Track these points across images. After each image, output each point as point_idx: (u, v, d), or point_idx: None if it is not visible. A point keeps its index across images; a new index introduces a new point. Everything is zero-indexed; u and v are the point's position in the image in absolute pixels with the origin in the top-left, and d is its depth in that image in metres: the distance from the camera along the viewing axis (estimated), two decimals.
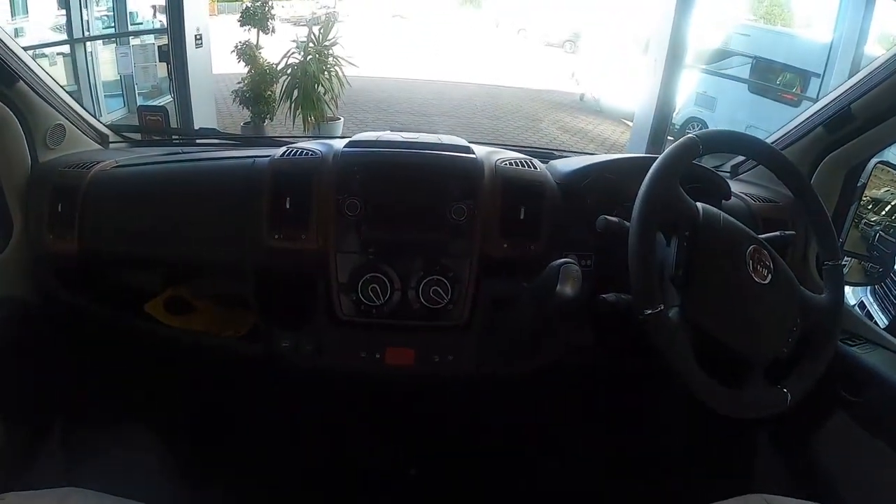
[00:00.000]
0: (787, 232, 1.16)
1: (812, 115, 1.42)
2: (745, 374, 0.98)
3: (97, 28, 6.91)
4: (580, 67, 11.66)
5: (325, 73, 6.34)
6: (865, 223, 1.52)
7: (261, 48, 6.57)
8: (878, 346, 1.31)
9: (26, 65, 1.24)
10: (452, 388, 1.41)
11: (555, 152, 1.54)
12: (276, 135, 1.52)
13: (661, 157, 1.00)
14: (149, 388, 1.51)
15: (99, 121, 1.54)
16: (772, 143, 1.47)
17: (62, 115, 1.38)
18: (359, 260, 1.17)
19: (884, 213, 1.48)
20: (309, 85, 6.18)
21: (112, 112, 6.74)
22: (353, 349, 1.21)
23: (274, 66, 6.47)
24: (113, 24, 7.12)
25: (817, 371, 1.04)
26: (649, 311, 0.92)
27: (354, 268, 1.17)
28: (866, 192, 1.48)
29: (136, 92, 6.95)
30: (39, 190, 1.29)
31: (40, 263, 1.33)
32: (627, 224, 0.99)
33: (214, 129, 1.85)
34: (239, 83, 6.59)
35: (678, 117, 8.78)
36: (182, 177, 1.34)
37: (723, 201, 1.29)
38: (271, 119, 6.77)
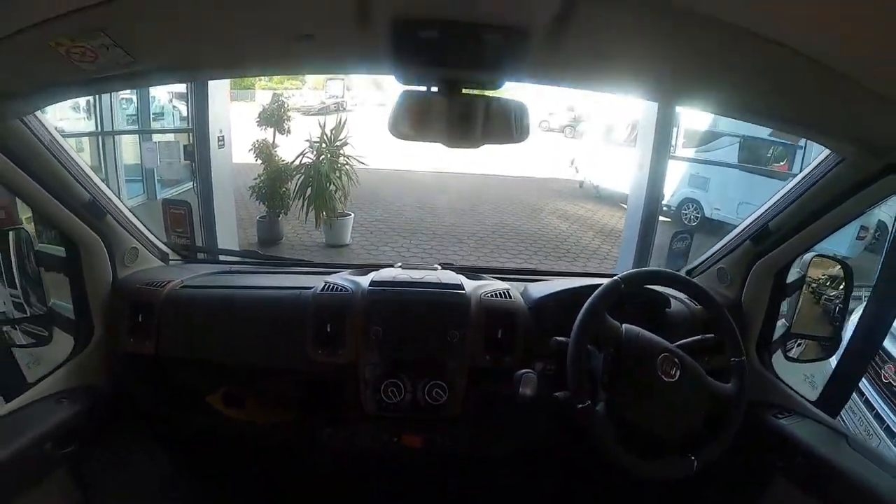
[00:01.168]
0: (707, 335, 1.44)
1: (741, 232, 1.73)
2: (659, 447, 1.27)
3: (123, 123, 7.33)
4: (579, 155, 12.10)
5: (337, 171, 6.81)
6: (825, 299, 1.74)
7: (276, 146, 7.10)
8: (805, 417, 1.51)
9: (111, 200, 1.59)
10: (451, 464, 1.71)
11: (536, 273, 1.91)
12: (308, 260, 1.85)
13: (592, 295, 1.34)
14: (206, 465, 1.82)
15: (161, 241, 1.88)
16: (712, 253, 1.82)
17: (136, 238, 1.73)
18: (380, 370, 1.54)
19: (825, 297, 1.71)
20: (321, 183, 6.64)
21: (133, 198, 7.01)
22: (377, 435, 1.60)
23: (288, 164, 6.94)
24: (137, 120, 7.55)
25: (723, 443, 1.32)
26: (580, 406, 1.25)
27: (377, 376, 1.54)
28: (813, 278, 1.71)
29: (156, 178, 7.29)
30: (120, 302, 1.62)
31: (119, 361, 1.63)
32: None
33: (255, 251, 2.25)
34: (255, 179, 7.05)
35: (673, 198, 9.17)
36: (241, 302, 1.66)
37: (666, 309, 1.61)
38: (285, 214, 7.19)
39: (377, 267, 1.75)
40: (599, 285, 1.37)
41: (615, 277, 1.38)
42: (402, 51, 0.93)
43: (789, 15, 0.73)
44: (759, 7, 0.75)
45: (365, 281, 1.63)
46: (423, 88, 1.06)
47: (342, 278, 1.67)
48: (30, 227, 2.02)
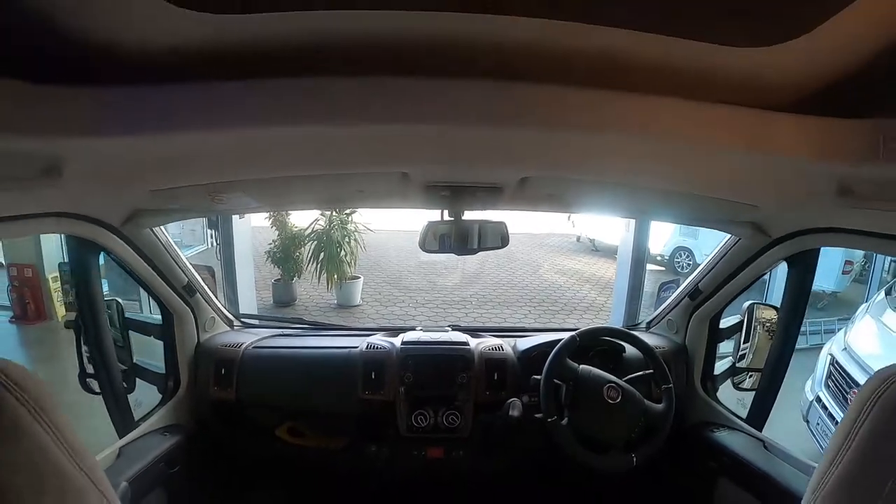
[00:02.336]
0: (647, 371, 1.97)
1: (681, 290, 2.26)
2: (608, 448, 1.81)
3: None
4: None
5: (346, 237, 7.38)
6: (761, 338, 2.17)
7: (289, 214, 7.64)
8: (735, 430, 1.95)
9: (199, 281, 2.10)
10: (464, 471, 2.19)
11: (525, 331, 2.41)
12: (346, 325, 2.32)
13: (556, 347, 1.91)
14: (272, 482, 2.30)
15: (230, 312, 2.39)
16: (664, 307, 2.34)
17: (213, 310, 2.24)
18: (411, 404, 2.07)
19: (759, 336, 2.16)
20: (333, 249, 7.20)
21: None
22: (409, 451, 2.10)
23: (301, 231, 7.50)
24: None
25: (655, 447, 1.84)
26: (549, 420, 1.82)
27: (409, 408, 2.06)
28: (759, 319, 2.15)
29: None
30: (206, 359, 2.12)
31: (204, 405, 2.11)
32: None
33: (300, 318, 2.80)
34: (270, 244, 7.61)
35: (666, 248, 9.73)
36: (303, 359, 2.16)
37: (623, 353, 2.11)
38: (299, 277, 7.70)
39: (403, 329, 2.27)
40: (569, 338, 1.94)
41: (573, 333, 1.94)
42: (428, 198, 1.49)
43: (676, 178, 1.28)
44: (653, 173, 1.28)
45: (397, 341, 2.18)
46: (438, 216, 1.61)
47: (379, 339, 2.21)
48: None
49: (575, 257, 11.31)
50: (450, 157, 1.20)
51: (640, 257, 5.83)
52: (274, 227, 7.57)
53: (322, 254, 7.19)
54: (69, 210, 1.42)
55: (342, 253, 7.23)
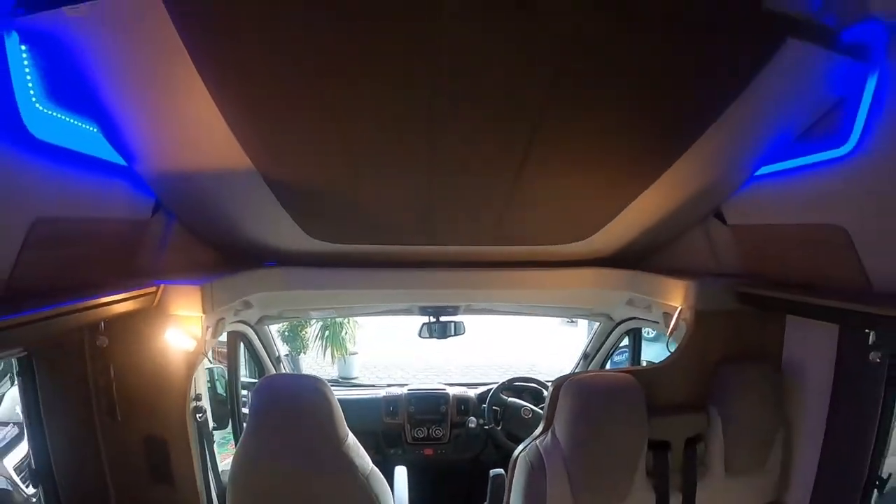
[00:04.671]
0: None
1: (581, 353, 3.64)
2: (521, 440, 2.91)
3: None
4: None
5: (348, 320, 8.65)
6: None
7: None
8: None
9: (281, 355, 3.42)
10: (445, 462, 3.49)
11: (486, 384, 3.68)
12: (368, 384, 3.77)
13: (494, 388, 3.32)
14: None
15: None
16: (576, 362, 3.70)
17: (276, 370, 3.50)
18: (413, 424, 3.50)
19: None
20: (336, 329, 8.46)
21: None
22: (413, 451, 3.48)
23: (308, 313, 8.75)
24: None
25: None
26: (488, 427, 3.38)
27: (413, 427, 3.50)
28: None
29: None
30: None
31: None
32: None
33: (336, 379, 4.24)
34: (280, 326, 8.83)
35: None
36: (346, 402, 3.27)
37: (543, 391, 3.43)
38: (304, 353, 8.92)
39: (406, 384, 3.64)
40: (514, 379, 3.36)
41: (503, 381, 3.32)
42: (423, 312, 3.04)
43: (549, 303, 2.84)
44: (534, 301, 2.83)
45: (404, 390, 3.60)
46: (426, 319, 3.06)
47: (393, 389, 3.58)
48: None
49: (558, 329, 12.84)
50: (433, 299, 2.74)
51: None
52: None
53: (327, 332, 8.46)
54: (239, 319, 2.76)
55: (344, 332, 8.51)
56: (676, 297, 2.13)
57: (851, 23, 1.42)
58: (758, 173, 1.94)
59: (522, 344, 11.86)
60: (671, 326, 2.13)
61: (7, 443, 3.05)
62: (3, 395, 3.34)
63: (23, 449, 3.01)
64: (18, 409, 3.08)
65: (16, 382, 3.12)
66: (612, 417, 1.83)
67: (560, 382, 1.92)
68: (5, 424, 3.18)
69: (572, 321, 12.93)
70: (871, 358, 1.65)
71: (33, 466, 1.81)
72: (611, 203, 2.08)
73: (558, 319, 11.90)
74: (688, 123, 1.67)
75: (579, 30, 1.28)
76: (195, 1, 1.21)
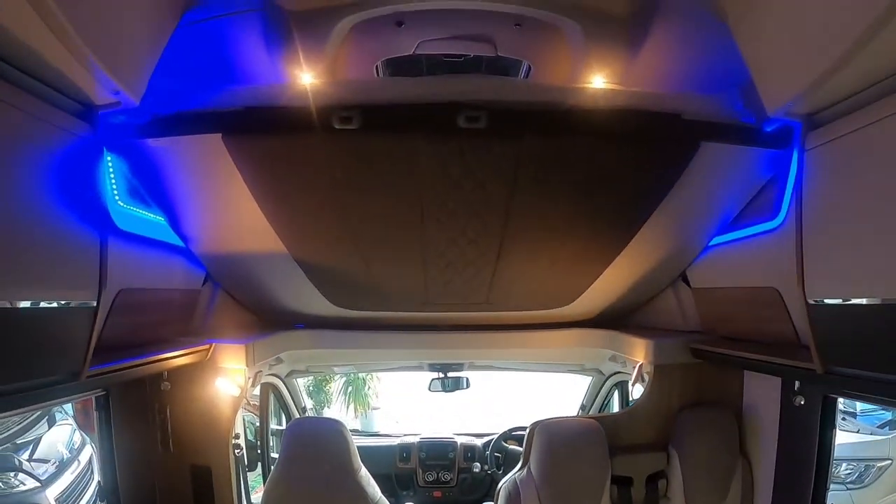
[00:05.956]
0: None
1: (579, 407, 3.94)
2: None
3: None
4: None
5: (370, 376, 8.98)
6: None
7: None
8: None
9: (305, 400, 3.79)
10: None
11: (489, 434, 3.93)
12: (384, 433, 4.22)
13: (496, 438, 3.60)
14: None
15: None
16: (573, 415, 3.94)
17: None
18: (424, 469, 3.84)
19: None
20: (359, 384, 8.79)
21: None
22: (423, 495, 3.85)
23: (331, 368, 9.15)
24: None
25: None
26: (490, 472, 3.66)
27: (423, 471, 3.84)
28: None
29: None
30: None
31: None
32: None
33: (356, 428, 4.59)
34: (306, 382, 9.21)
35: None
36: (364, 449, 3.50)
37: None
38: (328, 407, 9.23)
39: (419, 434, 3.94)
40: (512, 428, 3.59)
41: (504, 430, 3.56)
42: (431, 369, 3.41)
43: (544, 361, 3.24)
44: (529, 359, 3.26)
45: (416, 438, 3.88)
46: (435, 374, 3.43)
47: (406, 438, 3.87)
48: None
49: (567, 377, 12.75)
50: (438, 358, 3.19)
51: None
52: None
53: (350, 387, 8.80)
54: (271, 372, 3.16)
55: (367, 387, 8.84)
56: (640, 353, 2.47)
57: (770, 116, 1.66)
58: (712, 242, 2.30)
59: (534, 389, 11.98)
60: (633, 377, 2.48)
61: (48, 476, 3.41)
62: (42, 437, 3.67)
63: (63, 482, 3.44)
64: (59, 448, 3.64)
65: (52, 425, 3.71)
66: (577, 456, 2.20)
67: (535, 426, 2.29)
68: (46, 461, 3.53)
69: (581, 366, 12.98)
70: (795, 402, 1.97)
71: (101, 484, 2.21)
72: (584, 274, 2.46)
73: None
74: (631, 213, 2.09)
75: (524, 152, 1.78)
76: (245, 141, 1.76)
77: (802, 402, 1.96)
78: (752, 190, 2.07)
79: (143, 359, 1.93)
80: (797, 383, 1.97)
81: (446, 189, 1.89)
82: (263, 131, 1.77)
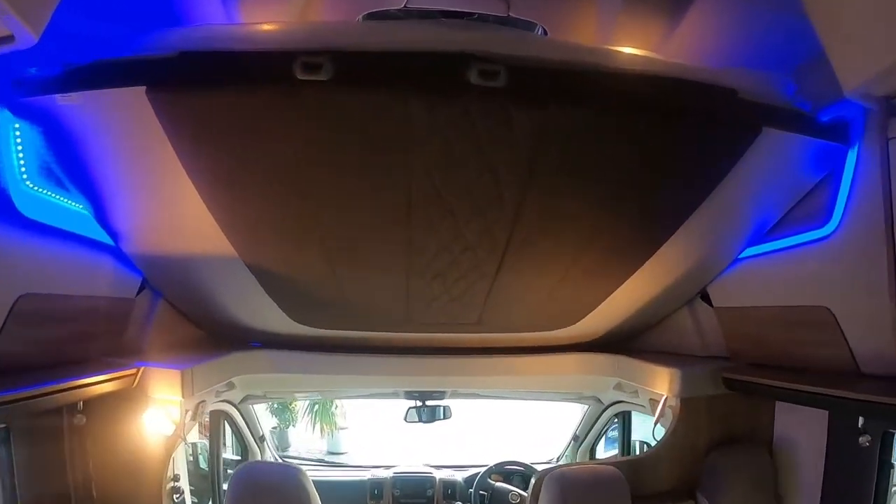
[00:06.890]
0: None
1: (571, 436, 3.53)
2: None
3: None
4: None
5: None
6: None
7: None
8: None
9: (263, 431, 3.31)
10: None
11: (472, 467, 3.55)
12: (354, 465, 3.63)
13: (481, 473, 3.15)
14: None
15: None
16: (564, 446, 3.58)
17: (270, 450, 3.40)
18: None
19: None
20: (327, 403, 8.27)
21: None
22: None
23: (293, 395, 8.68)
24: None
25: None
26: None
27: None
28: None
29: None
30: None
31: None
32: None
33: (322, 459, 4.12)
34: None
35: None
36: (327, 484, 3.20)
37: (531, 476, 3.29)
38: (294, 426, 8.67)
39: (393, 466, 3.46)
40: (497, 465, 3.21)
41: (491, 465, 3.16)
42: (409, 396, 2.94)
43: (540, 388, 2.78)
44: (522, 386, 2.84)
45: (390, 472, 3.36)
46: (412, 403, 2.97)
47: (379, 472, 3.37)
48: None
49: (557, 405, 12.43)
50: (417, 385, 2.74)
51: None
52: None
53: (317, 406, 8.28)
54: (222, 399, 2.72)
55: (333, 406, 8.33)
56: (661, 384, 2.13)
57: (826, 105, 1.47)
58: (742, 255, 1.98)
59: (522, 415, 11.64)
60: (657, 413, 2.12)
61: None
62: None
63: None
64: None
65: None
66: None
67: (543, 475, 1.90)
68: None
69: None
70: (860, 442, 1.65)
71: None
72: (595, 291, 2.11)
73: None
74: (666, 214, 1.71)
75: (548, 125, 1.35)
76: (176, 97, 1.30)
77: (869, 441, 1.64)
78: (800, 193, 1.75)
79: (48, 386, 1.48)
80: (861, 419, 1.64)
81: (444, 172, 1.44)
82: (198, 83, 1.28)
